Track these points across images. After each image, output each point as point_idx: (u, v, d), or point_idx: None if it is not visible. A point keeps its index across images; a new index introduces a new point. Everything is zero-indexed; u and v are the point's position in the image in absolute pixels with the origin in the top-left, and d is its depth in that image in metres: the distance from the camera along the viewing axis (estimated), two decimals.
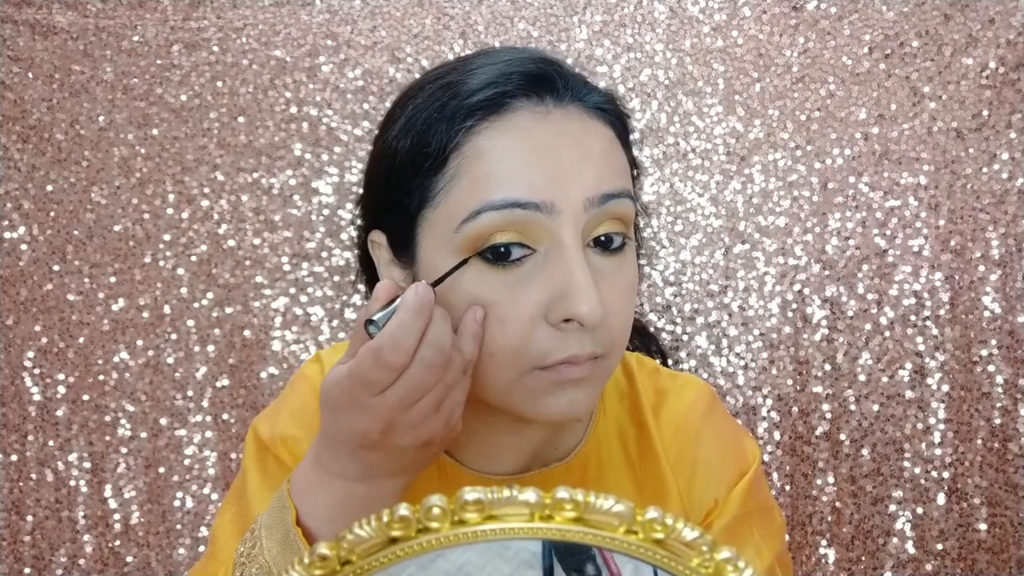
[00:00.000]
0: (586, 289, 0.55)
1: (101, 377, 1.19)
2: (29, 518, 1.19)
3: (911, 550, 1.16)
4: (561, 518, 0.35)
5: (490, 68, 0.60)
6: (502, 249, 0.56)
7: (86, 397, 1.19)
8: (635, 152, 0.68)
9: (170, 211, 1.20)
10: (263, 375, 1.19)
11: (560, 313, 0.55)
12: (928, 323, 1.17)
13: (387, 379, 0.53)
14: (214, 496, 1.19)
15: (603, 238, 0.58)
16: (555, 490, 0.35)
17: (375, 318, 0.54)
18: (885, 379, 1.17)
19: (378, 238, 0.64)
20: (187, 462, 1.19)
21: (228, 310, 1.19)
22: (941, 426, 1.16)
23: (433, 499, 0.35)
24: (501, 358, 0.57)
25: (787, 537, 1.17)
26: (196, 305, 1.19)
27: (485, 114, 0.58)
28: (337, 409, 0.55)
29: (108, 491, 1.19)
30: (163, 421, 1.19)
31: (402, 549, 0.35)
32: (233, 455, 1.19)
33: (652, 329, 1.18)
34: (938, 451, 1.16)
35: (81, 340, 1.19)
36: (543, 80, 0.59)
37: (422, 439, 0.55)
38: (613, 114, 0.63)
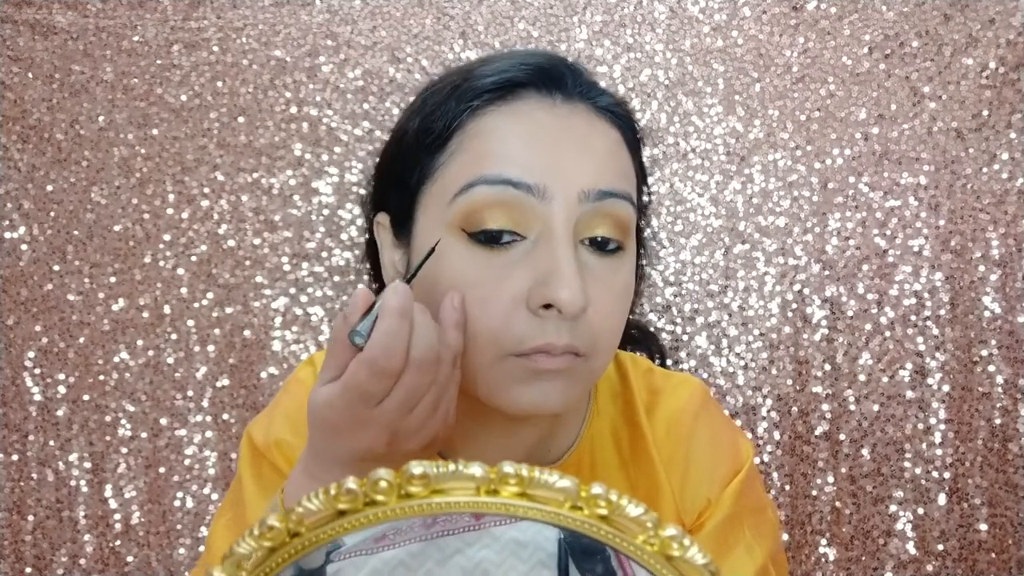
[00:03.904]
0: (568, 276, 0.54)
1: (101, 377, 1.19)
2: (30, 518, 1.19)
3: (912, 551, 1.16)
4: (507, 492, 0.35)
5: (505, 60, 0.61)
6: (493, 233, 0.56)
7: (86, 397, 1.19)
8: None
9: (170, 211, 1.20)
10: (263, 375, 1.19)
11: (540, 298, 0.55)
12: (928, 323, 1.16)
13: (385, 387, 0.52)
14: (214, 496, 1.19)
15: (599, 239, 0.58)
16: (500, 464, 0.35)
17: (359, 328, 0.52)
18: (885, 379, 1.17)
19: (383, 220, 0.65)
20: (187, 462, 1.19)
21: (228, 310, 1.19)
22: (941, 426, 1.16)
23: (380, 472, 0.35)
24: (481, 342, 0.57)
25: (786, 536, 1.17)
26: (196, 305, 1.19)
27: (492, 97, 0.59)
28: (334, 431, 0.54)
29: (108, 491, 1.19)
30: (163, 421, 1.19)
31: (349, 522, 0.35)
32: (233, 455, 1.19)
33: (652, 329, 1.18)
34: (938, 451, 1.16)
35: (81, 340, 1.19)
36: (554, 74, 0.60)
37: (425, 441, 0.55)
38: (622, 119, 0.63)
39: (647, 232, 1.17)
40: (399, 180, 0.62)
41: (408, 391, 0.53)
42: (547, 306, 0.55)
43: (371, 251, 0.70)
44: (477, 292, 0.56)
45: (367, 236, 0.70)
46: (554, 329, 0.56)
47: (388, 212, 0.64)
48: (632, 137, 0.64)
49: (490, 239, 0.56)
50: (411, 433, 0.54)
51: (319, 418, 0.54)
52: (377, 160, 0.68)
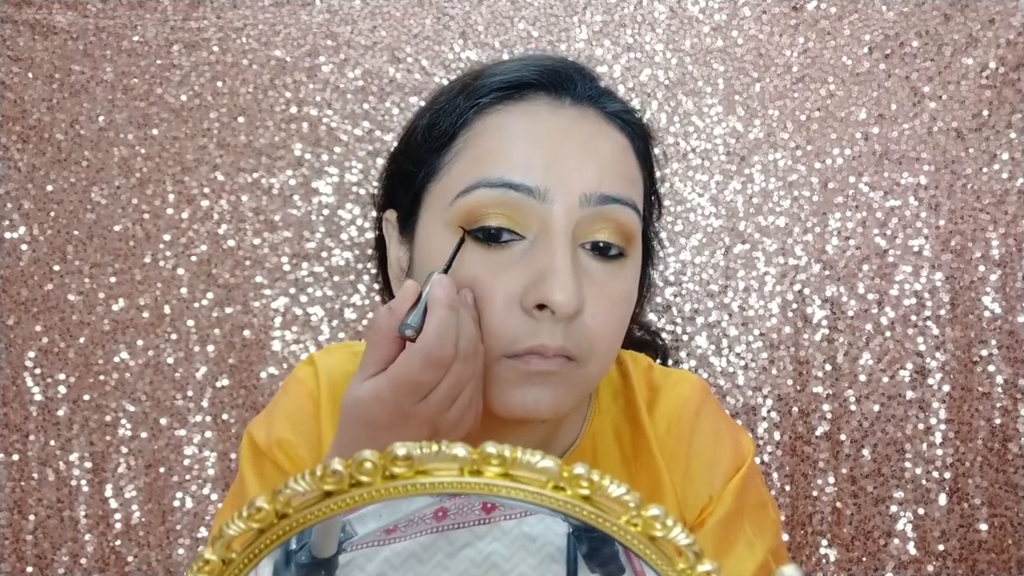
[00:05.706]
0: (563, 276, 0.54)
1: (101, 377, 1.19)
2: (31, 517, 1.19)
3: (912, 551, 1.16)
4: (490, 473, 0.35)
5: (517, 62, 0.62)
6: (492, 231, 0.56)
7: (87, 397, 1.19)
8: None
9: (170, 211, 1.20)
10: (263, 375, 1.19)
11: (534, 297, 0.55)
12: (928, 323, 1.16)
13: (436, 378, 0.52)
14: (214, 496, 1.19)
15: (600, 244, 0.58)
16: (483, 445, 0.35)
17: (409, 321, 0.53)
18: (886, 379, 1.17)
19: (390, 216, 0.65)
20: (187, 462, 1.19)
21: (228, 310, 1.20)
22: (942, 426, 1.16)
23: (365, 454, 0.35)
24: None
25: (787, 537, 1.17)
26: (196, 305, 1.19)
27: (500, 96, 0.59)
28: (374, 427, 0.53)
29: (109, 491, 1.19)
30: (163, 421, 1.19)
31: (335, 503, 0.36)
32: (233, 455, 1.19)
33: (652, 328, 1.18)
34: (939, 451, 1.16)
35: (81, 340, 1.19)
36: (563, 76, 0.60)
37: (461, 436, 0.55)
38: (633, 127, 0.63)
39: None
40: (406, 177, 0.62)
41: (453, 383, 0.53)
42: (541, 307, 0.55)
43: (379, 248, 0.70)
44: (474, 290, 0.56)
45: (377, 233, 0.70)
46: (548, 331, 0.56)
47: (395, 209, 0.65)
48: (642, 147, 0.64)
49: (488, 237, 0.56)
50: (452, 427, 0.54)
51: (362, 413, 0.54)
52: (387, 158, 0.68)
